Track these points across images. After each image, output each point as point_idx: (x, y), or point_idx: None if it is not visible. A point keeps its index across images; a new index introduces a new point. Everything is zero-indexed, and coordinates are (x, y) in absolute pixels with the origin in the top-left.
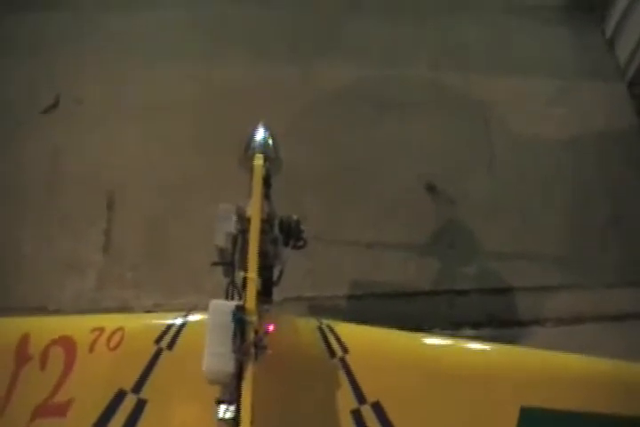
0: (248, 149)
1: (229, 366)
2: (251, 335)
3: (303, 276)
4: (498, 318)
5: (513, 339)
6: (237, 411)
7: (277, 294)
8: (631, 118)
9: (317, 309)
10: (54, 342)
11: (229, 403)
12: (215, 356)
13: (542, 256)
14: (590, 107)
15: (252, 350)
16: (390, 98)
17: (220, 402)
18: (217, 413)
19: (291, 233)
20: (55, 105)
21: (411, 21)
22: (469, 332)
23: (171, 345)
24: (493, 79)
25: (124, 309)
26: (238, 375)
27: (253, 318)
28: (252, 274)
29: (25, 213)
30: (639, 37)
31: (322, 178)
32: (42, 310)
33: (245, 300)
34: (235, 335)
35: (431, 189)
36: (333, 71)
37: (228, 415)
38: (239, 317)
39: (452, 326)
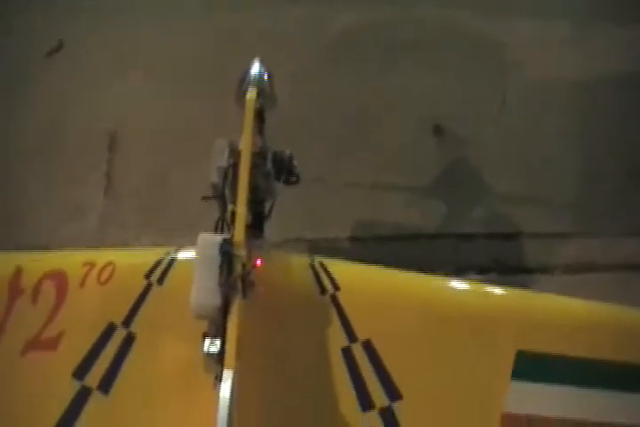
0: (242, 84)
1: (216, 300)
2: (238, 269)
3: (304, 217)
4: (504, 264)
5: (519, 286)
6: (222, 345)
7: (277, 234)
8: None
9: (318, 250)
10: (46, 276)
11: (214, 337)
12: (202, 290)
13: (553, 202)
14: (608, 51)
15: (239, 284)
16: (398, 39)
17: (205, 336)
18: (202, 347)
19: (282, 167)
20: (59, 49)
21: None
22: (474, 277)
23: (161, 280)
24: (508, 20)
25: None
26: (225, 309)
27: (241, 252)
28: (241, 207)
29: (28, 156)
30: None
31: (326, 121)
32: (43, 249)
33: (233, 233)
34: (221, 269)
35: (439, 130)
36: (339, 14)
37: (213, 349)
38: (226, 249)
39: (456, 271)
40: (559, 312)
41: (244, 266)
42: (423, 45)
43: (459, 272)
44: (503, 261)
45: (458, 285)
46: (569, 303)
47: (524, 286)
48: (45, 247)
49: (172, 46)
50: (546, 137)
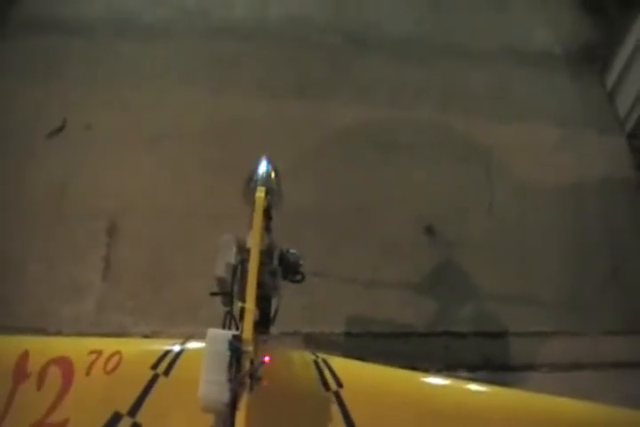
0: (251, 181)
1: (224, 395)
2: (246, 365)
3: (301, 311)
4: (493, 362)
5: (508, 383)
6: None
7: (274, 327)
8: (630, 170)
9: (314, 344)
10: (52, 361)
11: None
12: (211, 384)
13: (540, 302)
14: (590, 157)
15: (247, 380)
16: (394, 139)
17: None
18: None
19: (289, 266)
20: (61, 129)
21: (417, 65)
22: (464, 374)
23: (167, 371)
24: (496, 125)
25: (122, 334)
26: (232, 405)
27: (249, 348)
28: (250, 304)
29: (31, 236)
30: (639, 91)
31: (323, 216)
32: (42, 331)
33: (242, 330)
34: (230, 365)
35: (430, 231)
36: (339, 111)
37: None
38: (235, 346)
39: (446, 368)
40: (555, 412)
41: (252, 362)
42: (416, 146)
43: (449, 369)
44: (492, 359)
45: (452, 384)
46: (562, 403)
47: (512, 383)
48: (43, 328)
49: (178, 133)
50: (532, 239)
